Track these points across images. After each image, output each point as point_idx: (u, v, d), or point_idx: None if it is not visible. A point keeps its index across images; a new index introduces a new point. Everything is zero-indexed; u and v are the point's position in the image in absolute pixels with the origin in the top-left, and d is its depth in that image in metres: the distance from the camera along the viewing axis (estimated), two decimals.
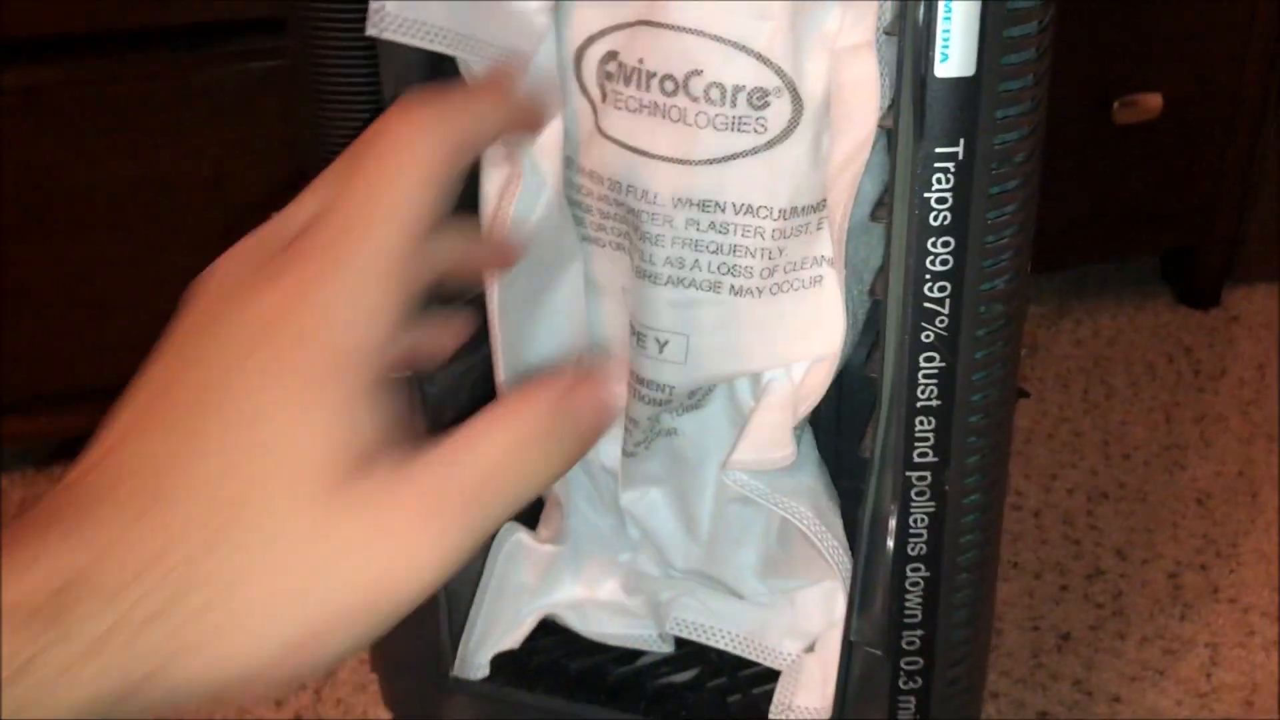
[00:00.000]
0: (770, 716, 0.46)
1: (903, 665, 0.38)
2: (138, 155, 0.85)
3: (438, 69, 0.41)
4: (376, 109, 0.40)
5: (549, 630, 0.51)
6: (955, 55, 0.29)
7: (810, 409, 0.43)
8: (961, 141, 0.30)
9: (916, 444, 0.34)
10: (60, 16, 0.82)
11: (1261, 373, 1.05)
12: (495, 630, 0.50)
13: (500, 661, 0.49)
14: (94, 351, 0.90)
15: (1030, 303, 0.36)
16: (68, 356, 0.90)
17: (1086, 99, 1.00)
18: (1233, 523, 0.87)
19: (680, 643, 0.50)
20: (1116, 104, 1.00)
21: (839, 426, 0.45)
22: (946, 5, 0.29)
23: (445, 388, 0.45)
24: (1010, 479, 0.78)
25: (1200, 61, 1.02)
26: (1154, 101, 1.01)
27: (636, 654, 0.50)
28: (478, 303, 0.44)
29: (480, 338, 0.45)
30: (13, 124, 0.82)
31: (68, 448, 1.01)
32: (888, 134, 0.35)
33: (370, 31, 0.36)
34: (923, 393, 0.33)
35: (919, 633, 0.37)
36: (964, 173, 0.30)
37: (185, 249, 0.88)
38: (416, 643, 0.49)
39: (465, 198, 0.43)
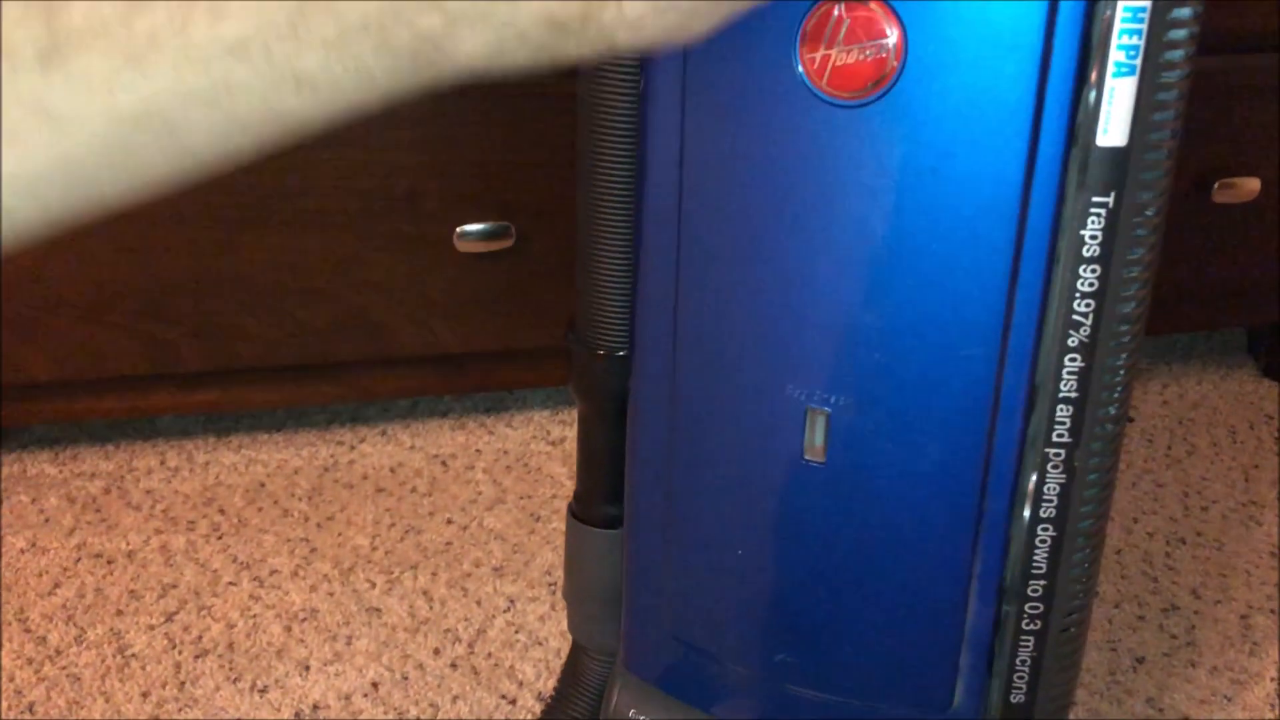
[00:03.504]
0: None
1: (1027, 610, 0.47)
2: (343, 167, 0.97)
3: None
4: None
5: None
6: (1114, 130, 0.39)
7: None
8: (1112, 194, 0.40)
9: (1055, 426, 0.44)
10: None
11: None
12: None
13: None
14: (298, 334, 1.02)
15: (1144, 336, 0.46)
16: (274, 337, 1.02)
17: (1190, 179, 1.06)
18: None
19: None
20: (1217, 185, 1.06)
21: None
22: (1110, 90, 0.39)
23: None
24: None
25: None
26: (1252, 185, 1.06)
27: None
28: None
29: None
30: None
31: (247, 419, 1.12)
32: None
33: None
34: (1065, 385, 0.43)
35: (1042, 583, 0.47)
36: (1112, 217, 0.40)
37: (378, 252, 1.00)
38: None
39: None
